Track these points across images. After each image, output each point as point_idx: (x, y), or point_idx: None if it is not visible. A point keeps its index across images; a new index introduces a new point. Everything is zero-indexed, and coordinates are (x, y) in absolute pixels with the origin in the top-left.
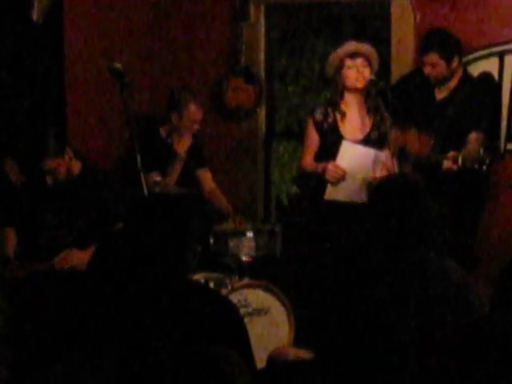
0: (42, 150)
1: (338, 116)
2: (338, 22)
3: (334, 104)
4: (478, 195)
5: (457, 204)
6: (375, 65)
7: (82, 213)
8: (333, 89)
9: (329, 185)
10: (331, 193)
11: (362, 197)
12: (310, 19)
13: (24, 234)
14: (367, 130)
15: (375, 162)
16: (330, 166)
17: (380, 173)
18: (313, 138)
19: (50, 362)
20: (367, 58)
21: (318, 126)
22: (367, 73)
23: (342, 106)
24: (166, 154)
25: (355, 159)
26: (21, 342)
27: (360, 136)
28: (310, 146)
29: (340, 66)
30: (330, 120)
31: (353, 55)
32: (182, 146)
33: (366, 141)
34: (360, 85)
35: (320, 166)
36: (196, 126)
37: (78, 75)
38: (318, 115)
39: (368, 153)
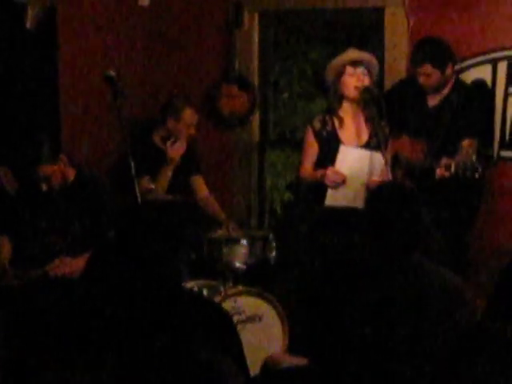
0: (37, 156)
1: (337, 123)
2: (331, 29)
3: (332, 111)
4: (471, 202)
5: (450, 210)
6: (375, 75)
7: (75, 220)
8: (331, 95)
9: (329, 190)
10: (332, 198)
11: (362, 201)
12: (304, 26)
13: (18, 241)
14: (366, 137)
15: (374, 164)
16: (330, 171)
17: (379, 175)
18: (312, 147)
19: (45, 369)
20: (368, 67)
21: (317, 135)
22: (367, 82)
23: (340, 113)
24: (158, 160)
25: (354, 163)
26: (16, 350)
27: (359, 143)
28: (308, 155)
29: (340, 73)
30: (329, 128)
31: (354, 63)
32: (177, 151)
33: (366, 148)
34: (358, 94)
35: (319, 173)
36: (192, 131)
37: (72, 82)
38: (317, 124)
39: (366, 155)
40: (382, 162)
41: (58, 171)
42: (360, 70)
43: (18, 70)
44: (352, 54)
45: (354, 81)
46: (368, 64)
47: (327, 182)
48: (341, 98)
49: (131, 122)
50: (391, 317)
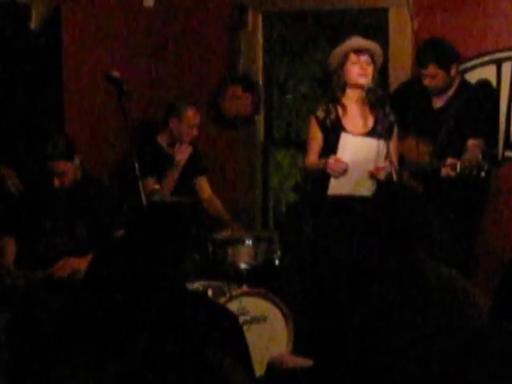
0: (52, 152)
1: (340, 111)
2: (335, 30)
3: (336, 99)
4: (476, 202)
5: (455, 211)
6: (379, 63)
7: (80, 220)
8: (334, 83)
9: (332, 179)
10: (334, 187)
11: (366, 189)
12: (308, 27)
13: (22, 241)
14: (370, 124)
15: (377, 151)
16: (331, 160)
17: (384, 162)
18: (316, 137)
19: (48, 370)
20: (372, 55)
21: (321, 123)
22: (370, 70)
23: (344, 101)
24: (163, 161)
25: (356, 150)
26: (19, 351)
27: (363, 130)
28: (313, 145)
29: (344, 61)
30: (333, 116)
31: (358, 51)
32: (182, 154)
33: (370, 135)
34: (362, 81)
35: (321, 162)
36: (195, 131)
37: (76, 84)
38: (320, 112)
39: (368, 143)
40: (386, 148)
41: (72, 169)
42: (364, 58)
43: (21, 70)
44: (356, 41)
45: (358, 68)
46: (372, 52)
47: (329, 170)
48: (344, 85)
49: (136, 123)
50: (396, 318)
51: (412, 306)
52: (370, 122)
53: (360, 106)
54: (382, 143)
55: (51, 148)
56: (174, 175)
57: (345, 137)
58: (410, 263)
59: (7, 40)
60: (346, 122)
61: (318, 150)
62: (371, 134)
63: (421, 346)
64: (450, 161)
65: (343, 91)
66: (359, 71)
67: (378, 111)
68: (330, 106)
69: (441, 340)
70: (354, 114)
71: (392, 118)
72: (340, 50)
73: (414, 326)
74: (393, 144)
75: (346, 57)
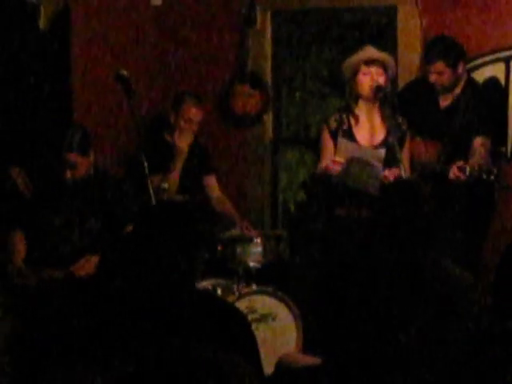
0: (68, 144)
1: (353, 121)
2: (344, 28)
3: (348, 109)
4: (485, 203)
5: (465, 212)
6: (392, 73)
7: (92, 215)
8: (347, 94)
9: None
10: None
11: (375, 186)
12: (317, 25)
13: (33, 237)
14: (382, 135)
15: (375, 159)
16: (329, 161)
17: (392, 171)
18: (328, 146)
19: (54, 371)
20: (383, 66)
21: (333, 133)
22: (382, 81)
23: (356, 112)
24: (170, 158)
25: (354, 155)
26: (27, 351)
27: (375, 141)
28: (326, 154)
29: (356, 71)
30: (345, 126)
31: (368, 62)
32: (183, 141)
33: (382, 146)
34: (372, 93)
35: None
36: (193, 127)
37: (85, 83)
38: (333, 123)
39: (365, 151)
40: (384, 156)
41: (85, 164)
42: (374, 69)
43: (30, 70)
44: (366, 52)
45: (368, 80)
46: (383, 63)
47: (328, 171)
48: (357, 96)
49: (143, 121)
50: (404, 315)
51: (422, 303)
52: (382, 133)
53: (372, 116)
54: (380, 151)
55: (68, 139)
56: (178, 164)
57: (342, 142)
58: (419, 260)
59: (16, 39)
60: (358, 133)
61: (330, 158)
62: (382, 144)
63: (429, 347)
64: (458, 164)
65: (356, 102)
66: (370, 83)
67: (391, 122)
68: (343, 116)
69: (449, 341)
70: (366, 125)
71: (404, 127)
72: (351, 61)
73: (421, 324)
74: (404, 153)
75: (357, 68)
